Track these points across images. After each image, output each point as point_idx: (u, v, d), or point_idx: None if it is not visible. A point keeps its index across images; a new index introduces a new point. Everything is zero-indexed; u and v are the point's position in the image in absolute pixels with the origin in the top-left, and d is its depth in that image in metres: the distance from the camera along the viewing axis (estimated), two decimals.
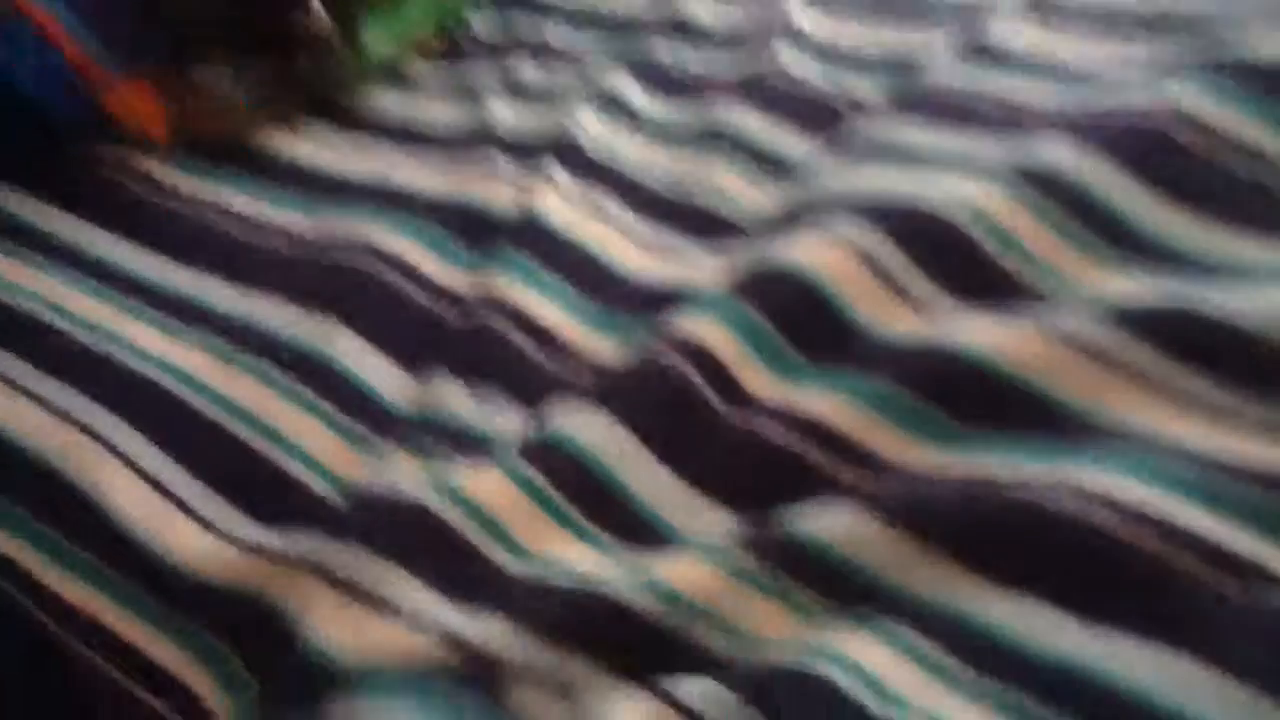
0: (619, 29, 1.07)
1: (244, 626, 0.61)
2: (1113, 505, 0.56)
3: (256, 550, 0.64)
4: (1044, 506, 0.56)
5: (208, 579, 0.63)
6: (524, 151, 0.92)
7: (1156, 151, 0.76)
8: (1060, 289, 0.70)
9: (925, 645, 0.54)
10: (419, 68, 1.06)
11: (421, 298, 0.80)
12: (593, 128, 0.93)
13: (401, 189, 0.89)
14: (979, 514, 0.57)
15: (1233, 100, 0.77)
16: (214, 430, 0.70)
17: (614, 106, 0.95)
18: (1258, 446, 0.59)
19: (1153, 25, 0.92)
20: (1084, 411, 0.63)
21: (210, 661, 0.61)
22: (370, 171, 0.92)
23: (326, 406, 0.73)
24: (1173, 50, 0.86)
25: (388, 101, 1.01)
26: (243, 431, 0.70)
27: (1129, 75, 0.84)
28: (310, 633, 0.60)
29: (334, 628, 0.59)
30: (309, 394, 0.73)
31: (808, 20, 1.01)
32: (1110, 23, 0.93)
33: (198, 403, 0.72)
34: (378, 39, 1.03)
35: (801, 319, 0.72)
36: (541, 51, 1.04)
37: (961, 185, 0.76)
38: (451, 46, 1.08)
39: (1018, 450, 0.61)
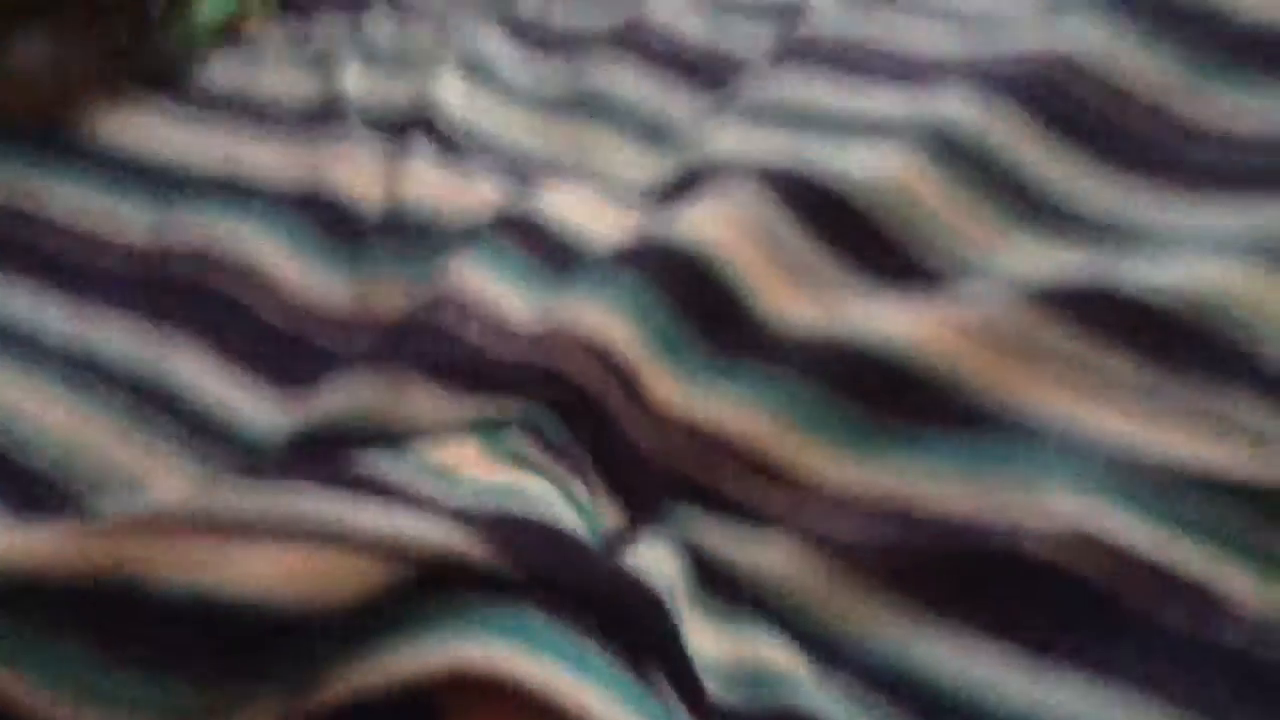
0: None
1: None
2: (1047, 524, 0.53)
3: None
4: (980, 535, 0.53)
5: None
6: (384, 126, 0.83)
7: (1058, 103, 0.73)
8: (970, 263, 0.67)
9: (870, 698, 0.51)
10: (258, 29, 0.95)
11: (279, 309, 0.72)
12: (458, 97, 0.85)
13: (249, 178, 0.80)
14: (912, 547, 0.54)
15: (1127, 43, 0.74)
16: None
17: (479, 71, 0.87)
18: (1187, 438, 0.56)
19: None
20: (1004, 403, 0.60)
21: None
22: (212, 158, 0.82)
23: (174, 444, 0.65)
24: None
25: (226, 72, 0.91)
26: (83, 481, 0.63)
27: (1023, 13, 0.81)
28: None
29: None
30: (156, 428, 0.66)
31: None
32: None
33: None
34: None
35: (700, 306, 0.67)
36: (395, 5, 0.95)
37: (861, 149, 0.71)
38: (293, 6, 0.98)
39: (941, 458, 0.58)
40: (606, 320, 0.65)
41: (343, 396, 0.63)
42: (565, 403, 0.61)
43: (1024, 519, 0.54)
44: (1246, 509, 0.52)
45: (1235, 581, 0.51)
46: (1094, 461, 0.55)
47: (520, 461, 0.58)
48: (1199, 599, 0.50)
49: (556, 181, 0.76)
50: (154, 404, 0.66)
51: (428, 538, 0.45)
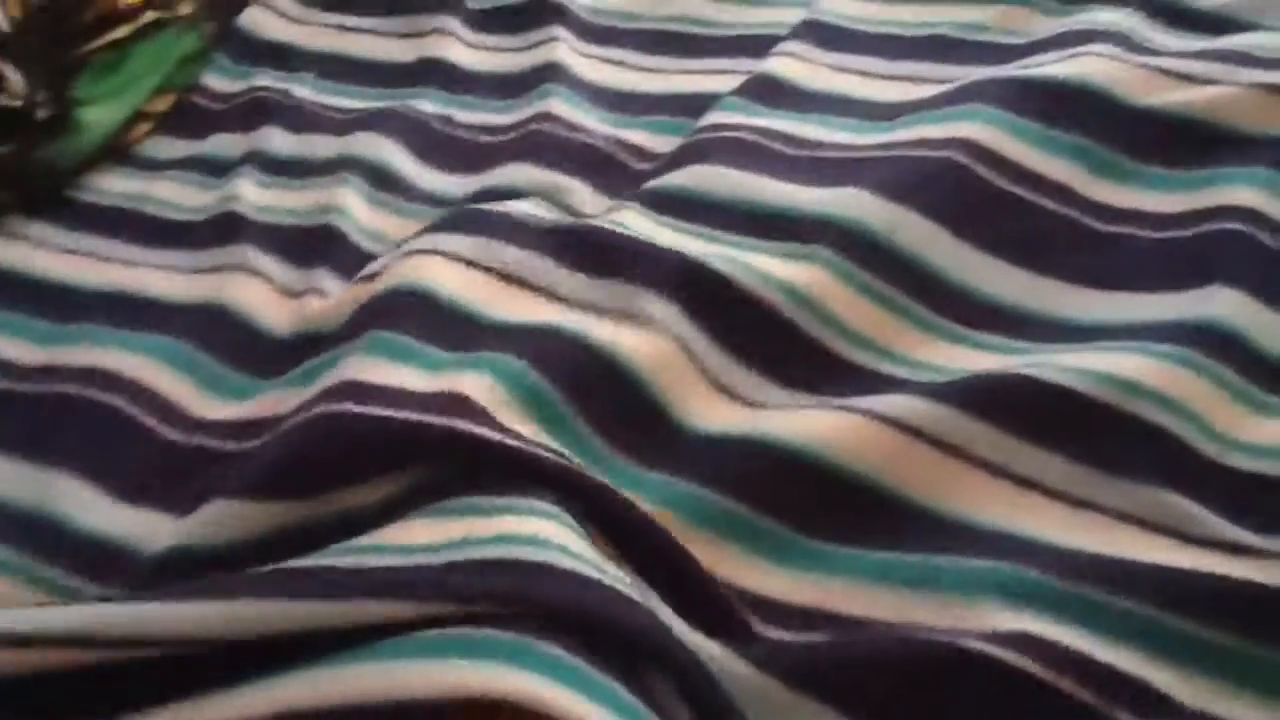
0: (378, 81, 0.96)
1: None
2: (986, 627, 0.52)
3: None
4: (917, 638, 0.52)
5: None
6: (284, 243, 0.80)
7: (964, 193, 0.73)
8: (889, 365, 0.66)
9: None
10: (150, 140, 0.92)
11: (175, 437, 0.68)
12: (362, 212, 0.82)
13: (143, 295, 0.77)
14: (844, 652, 0.52)
15: (1025, 131, 0.76)
16: None
17: (384, 183, 0.84)
18: (1125, 536, 0.56)
19: (932, 47, 0.90)
20: (932, 507, 0.59)
21: None
22: (103, 276, 0.79)
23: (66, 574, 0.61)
24: (958, 74, 0.84)
25: (116, 184, 0.88)
26: None
27: (921, 106, 0.82)
28: None
29: None
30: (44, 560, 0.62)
31: (583, 63, 0.94)
32: (893, 49, 0.91)
33: None
34: (97, 106, 0.90)
35: (616, 412, 0.65)
36: (293, 114, 0.92)
37: (774, 249, 0.71)
38: (186, 110, 0.95)
39: (869, 568, 0.57)
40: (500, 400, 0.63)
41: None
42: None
43: (961, 624, 0.53)
44: (1182, 606, 0.52)
45: (1174, 678, 0.51)
46: (1028, 566, 0.54)
47: (471, 510, 0.55)
48: (1140, 696, 0.50)
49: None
50: (41, 536, 0.62)
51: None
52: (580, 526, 0.54)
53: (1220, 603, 0.52)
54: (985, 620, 0.52)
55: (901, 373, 0.66)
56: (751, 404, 0.65)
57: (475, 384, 0.62)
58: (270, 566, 0.53)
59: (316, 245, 0.79)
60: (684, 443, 0.63)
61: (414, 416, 0.58)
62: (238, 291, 0.76)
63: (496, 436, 0.57)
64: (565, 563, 0.49)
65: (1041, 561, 0.54)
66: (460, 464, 0.57)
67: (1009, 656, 0.50)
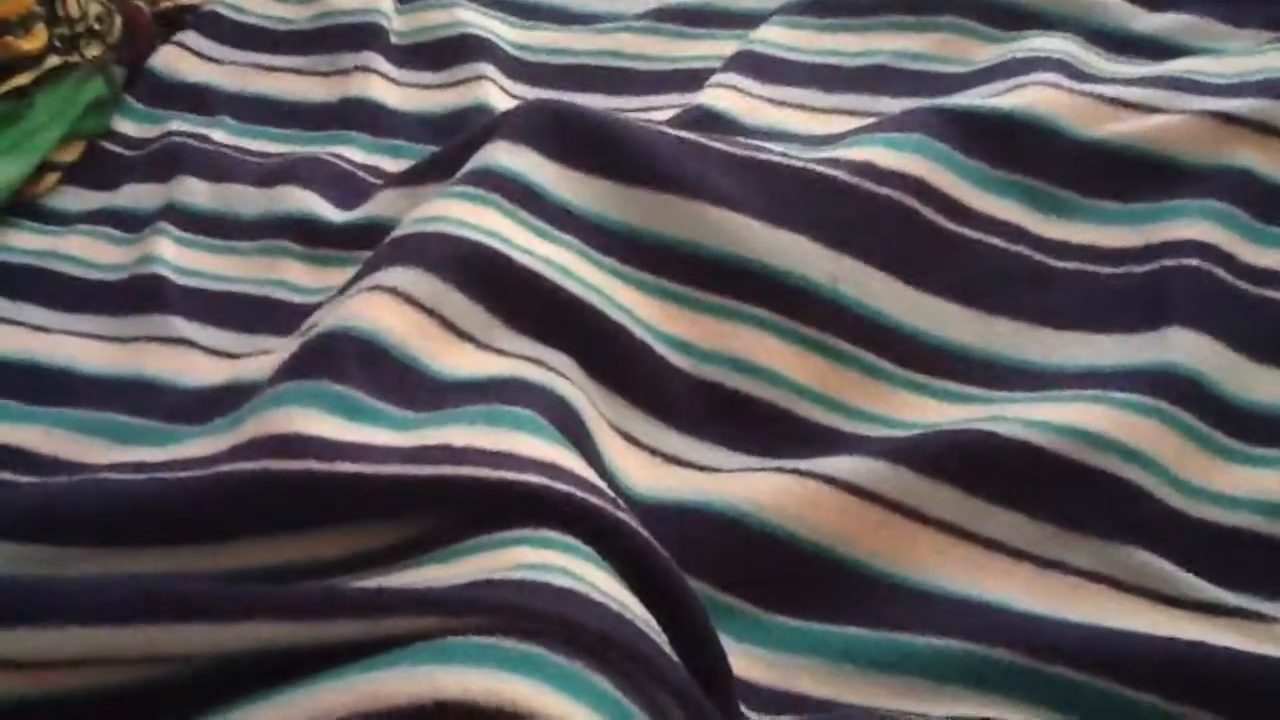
0: (300, 123, 0.92)
1: None
2: (954, 709, 0.50)
3: None
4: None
5: None
6: (217, 312, 0.75)
7: (906, 237, 0.71)
8: (841, 419, 0.64)
9: None
10: (58, 191, 0.87)
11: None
12: (302, 274, 0.78)
13: (54, 367, 0.72)
14: None
15: (971, 170, 0.74)
16: None
17: (316, 238, 0.80)
18: (1096, 598, 0.55)
19: (872, 78, 0.89)
20: (894, 574, 0.57)
21: None
22: (9, 345, 0.74)
23: None
24: (899, 106, 0.82)
25: (22, 240, 0.83)
26: None
27: (861, 141, 0.79)
28: None
29: None
30: None
31: (511, 103, 0.91)
32: (832, 80, 0.89)
33: None
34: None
35: None
36: (211, 160, 0.87)
37: (710, 312, 0.68)
38: (96, 158, 0.90)
39: (828, 644, 0.54)
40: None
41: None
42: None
43: (929, 707, 0.51)
44: (1161, 684, 0.50)
45: None
46: (997, 645, 0.52)
47: (483, 547, 0.51)
48: None
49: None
50: None
51: None
52: (602, 562, 0.50)
53: (1202, 678, 0.50)
54: (954, 704, 0.51)
55: (858, 429, 0.63)
56: (702, 468, 0.62)
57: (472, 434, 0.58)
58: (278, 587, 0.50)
59: (257, 315, 0.75)
60: (632, 508, 0.60)
61: (423, 470, 0.53)
62: (164, 362, 0.71)
63: (519, 477, 0.53)
64: (594, 594, 0.46)
65: (1011, 637, 0.52)
66: (469, 512, 0.52)
67: None
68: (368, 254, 0.76)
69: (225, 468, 0.55)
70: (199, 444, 0.61)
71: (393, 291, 0.65)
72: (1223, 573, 0.55)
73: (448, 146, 0.79)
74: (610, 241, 0.70)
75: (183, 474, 0.56)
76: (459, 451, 0.54)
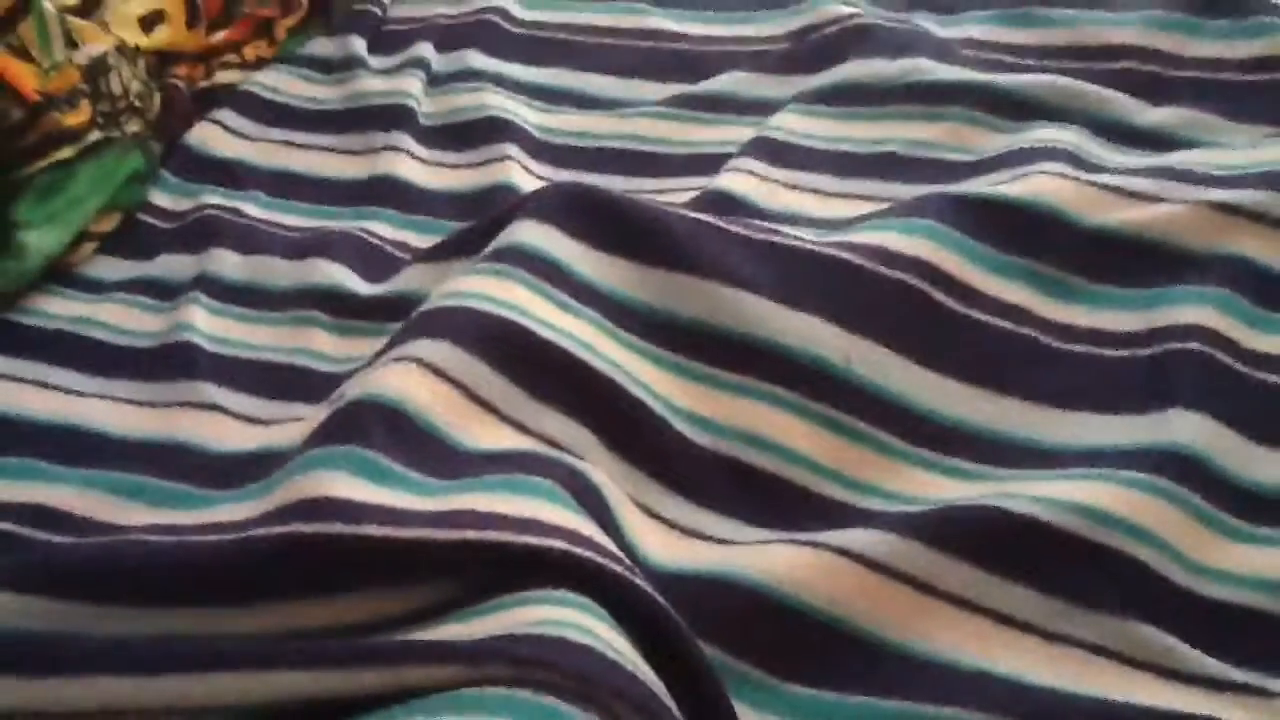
0: (330, 199, 0.95)
1: None
2: None
3: None
4: None
5: None
6: (248, 380, 0.78)
7: (916, 318, 0.73)
8: (854, 495, 0.66)
9: None
10: (95, 260, 0.90)
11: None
12: (329, 344, 0.80)
13: (88, 429, 0.74)
14: None
15: (979, 255, 0.76)
16: None
17: (345, 310, 0.83)
18: (1103, 671, 0.56)
19: (884, 165, 0.91)
20: (905, 646, 0.58)
21: None
22: (45, 407, 0.76)
23: None
24: (910, 192, 0.85)
25: (59, 307, 0.85)
26: None
27: (873, 226, 0.82)
28: None
29: None
30: None
31: (534, 184, 0.94)
32: (846, 166, 0.91)
33: None
34: (39, 229, 0.87)
35: None
36: (243, 233, 0.90)
37: (723, 389, 0.70)
38: (132, 229, 0.93)
39: (846, 719, 0.55)
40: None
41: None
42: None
43: None
44: None
45: None
46: (1004, 711, 0.54)
47: (504, 607, 0.52)
48: None
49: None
50: None
51: None
52: (617, 625, 0.52)
53: None
54: None
55: (871, 504, 0.65)
56: (720, 541, 0.64)
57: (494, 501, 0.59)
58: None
59: (286, 384, 0.77)
60: (651, 579, 0.61)
61: (450, 534, 0.55)
62: (196, 427, 0.73)
63: (543, 542, 0.54)
64: (609, 653, 0.48)
65: (1020, 709, 0.54)
66: (491, 575, 0.54)
67: None
68: (394, 325, 0.78)
69: (255, 532, 0.57)
70: (231, 509, 0.63)
71: (419, 362, 0.67)
72: (1228, 649, 0.56)
73: (474, 225, 0.82)
74: (630, 318, 0.72)
75: (213, 537, 0.57)
76: (483, 516, 0.56)
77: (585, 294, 0.72)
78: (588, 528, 0.57)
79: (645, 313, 0.73)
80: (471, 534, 0.54)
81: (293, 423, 0.72)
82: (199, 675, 0.48)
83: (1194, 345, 0.70)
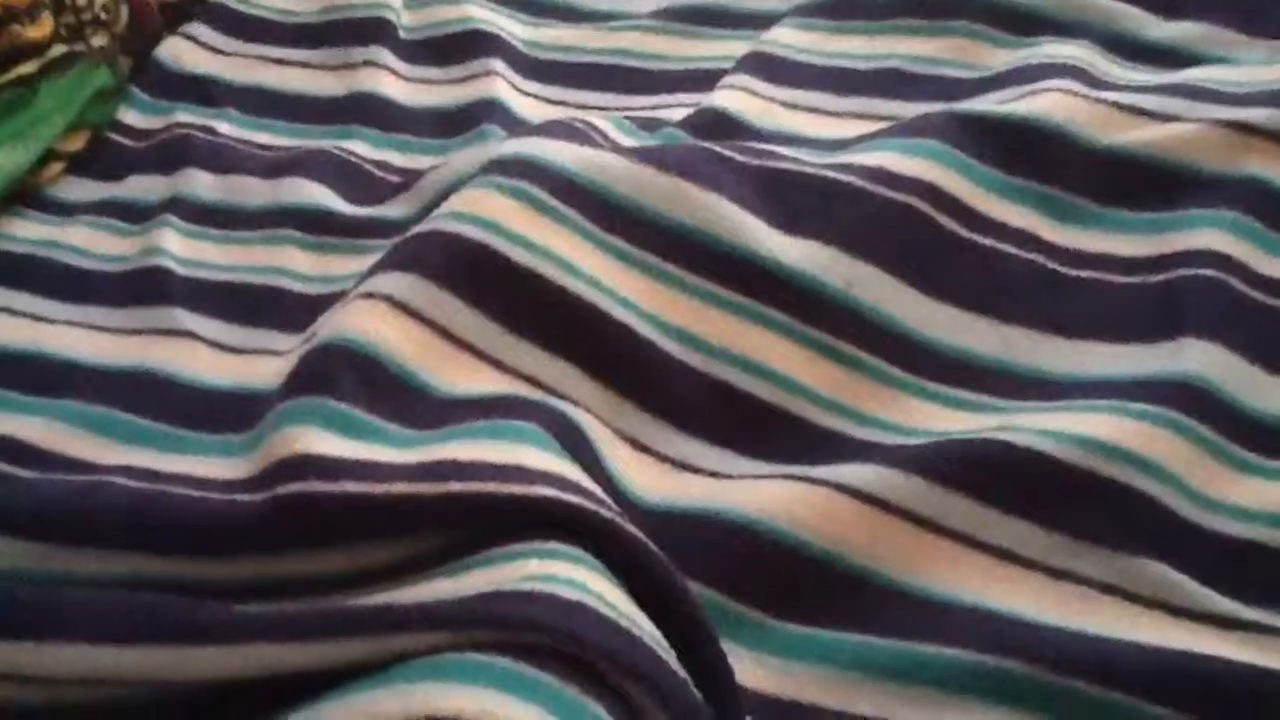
0: (306, 117, 0.91)
1: None
2: None
3: None
4: None
5: None
6: (220, 303, 0.74)
7: (921, 244, 0.70)
8: (853, 426, 0.63)
9: None
10: (62, 181, 0.86)
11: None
12: (306, 262, 0.77)
13: (56, 358, 0.71)
14: None
15: (985, 177, 0.73)
16: None
17: (323, 226, 0.79)
18: (1109, 609, 0.54)
19: (884, 81, 0.88)
20: (905, 584, 0.56)
21: None
22: (12, 335, 0.73)
23: None
24: (912, 110, 0.82)
25: (25, 229, 0.82)
26: None
27: (879, 135, 0.78)
28: None
29: None
30: None
31: (521, 100, 0.90)
32: (845, 83, 0.88)
33: None
34: (3, 147, 0.83)
35: None
36: (216, 153, 0.86)
37: (718, 305, 0.67)
38: (101, 149, 0.89)
39: (839, 655, 0.54)
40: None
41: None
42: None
43: (938, 715, 0.51)
44: (1178, 698, 0.49)
45: None
46: (1012, 657, 0.52)
47: (492, 561, 0.50)
48: None
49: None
50: None
51: None
52: (609, 574, 0.50)
53: (1214, 691, 0.49)
54: (965, 714, 0.50)
55: (870, 435, 0.63)
56: (712, 474, 0.62)
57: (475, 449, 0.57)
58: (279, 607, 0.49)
59: (260, 306, 0.74)
60: (641, 516, 0.59)
61: (431, 487, 0.53)
62: (169, 355, 0.70)
63: (528, 490, 0.52)
64: (601, 609, 0.46)
65: (1023, 648, 0.52)
66: (478, 526, 0.52)
67: None
68: (374, 243, 0.76)
69: (238, 498, 0.55)
70: (210, 464, 0.61)
71: (389, 300, 0.65)
72: (1236, 585, 0.55)
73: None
74: (618, 219, 0.69)
75: (196, 493, 0.56)
76: (465, 466, 0.54)
77: (567, 191, 0.69)
78: (573, 472, 0.55)
79: (634, 212, 0.69)
80: (455, 485, 0.52)
81: (269, 356, 0.70)
82: (176, 648, 0.46)
83: (1206, 271, 0.67)
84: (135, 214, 0.82)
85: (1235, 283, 0.67)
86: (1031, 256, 0.70)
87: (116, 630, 0.46)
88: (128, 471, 0.61)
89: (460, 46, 0.95)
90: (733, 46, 0.93)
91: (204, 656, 0.45)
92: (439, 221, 0.68)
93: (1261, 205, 0.70)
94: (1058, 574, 0.56)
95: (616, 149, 0.74)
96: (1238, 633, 0.53)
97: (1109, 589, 0.55)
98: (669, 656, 0.47)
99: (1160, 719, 0.49)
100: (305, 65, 0.96)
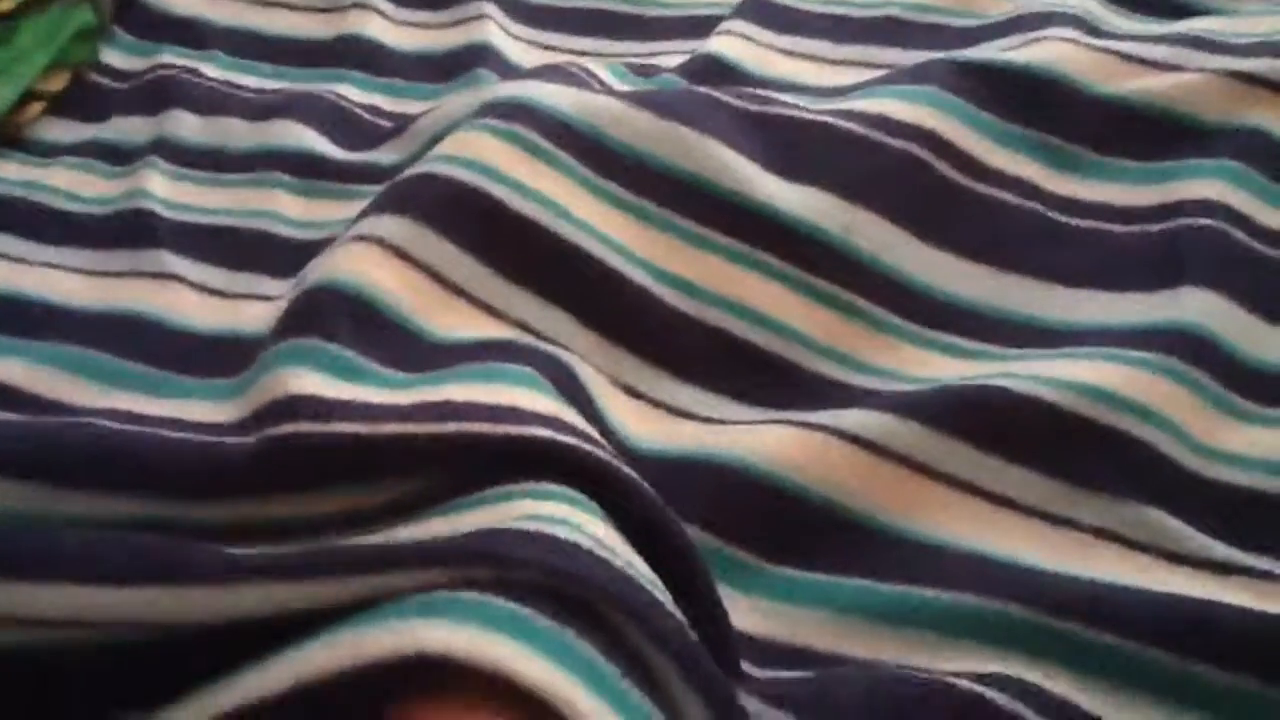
0: (294, 60, 0.89)
1: None
2: (965, 665, 0.49)
3: None
4: (895, 675, 0.48)
5: None
6: (207, 246, 0.73)
7: (919, 191, 0.69)
8: (850, 372, 0.63)
9: None
10: (43, 121, 0.85)
11: None
12: (295, 207, 0.75)
13: (38, 301, 0.70)
14: (834, 708, 0.48)
15: (984, 124, 0.72)
16: None
17: (312, 169, 0.78)
18: (1106, 555, 0.54)
19: (883, 29, 0.87)
20: (902, 529, 0.56)
21: None
22: None
23: None
24: (911, 59, 0.80)
25: (5, 170, 0.80)
26: None
27: (874, 94, 0.77)
28: None
29: None
30: None
31: (513, 45, 0.88)
32: (842, 30, 0.87)
33: None
34: None
35: None
36: (202, 95, 0.84)
37: (715, 251, 0.66)
38: (84, 89, 0.87)
39: (843, 603, 0.53)
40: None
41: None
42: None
43: (939, 663, 0.50)
44: (1175, 640, 0.49)
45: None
46: (1009, 601, 0.51)
47: (488, 501, 0.49)
48: None
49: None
50: None
51: None
52: (606, 515, 0.49)
53: (1212, 636, 0.49)
54: (963, 658, 0.50)
55: (867, 381, 0.62)
56: (707, 420, 0.61)
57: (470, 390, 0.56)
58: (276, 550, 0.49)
59: (248, 250, 0.73)
60: (636, 462, 0.59)
61: (425, 427, 0.52)
62: (154, 299, 0.69)
63: (524, 430, 0.51)
64: (598, 550, 0.45)
65: (1021, 592, 0.51)
66: (473, 466, 0.51)
67: (1000, 700, 0.46)
68: (363, 188, 0.74)
69: (229, 441, 0.54)
70: (198, 407, 0.60)
71: (381, 243, 0.63)
72: (1234, 532, 0.54)
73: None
74: (612, 163, 0.68)
75: (188, 436, 0.55)
76: (460, 407, 0.53)
77: (562, 135, 0.68)
78: (569, 415, 0.54)
79: (630, 157, 0.68)
80: (449, 425, 0.51)
81: (256, 301, 0.68)
82: (167, 588, 0.45)
83: (1207, 221, 0.66)
84: (119, 156, 0.81)
85: (1236, 233, 0.66)
86: (1032, 205, 0.69)
87: (106, 570, 0.45)
88: (112, 414, 0.60)
89: None
90: None
91: (196, 597, 0.44)
92: (432, 164, 0.67)
93: (1263, 156, 0.70)
94: (1056, 520, 0.55)
95: (612, 93, 0.72)
96: (1234, 578, 0.53)
97: (1107, 535, 0.55)
98: (665, 599, 0.46)
99: (1157, 661, 0.49)
100: (293, 7, 0.94)
